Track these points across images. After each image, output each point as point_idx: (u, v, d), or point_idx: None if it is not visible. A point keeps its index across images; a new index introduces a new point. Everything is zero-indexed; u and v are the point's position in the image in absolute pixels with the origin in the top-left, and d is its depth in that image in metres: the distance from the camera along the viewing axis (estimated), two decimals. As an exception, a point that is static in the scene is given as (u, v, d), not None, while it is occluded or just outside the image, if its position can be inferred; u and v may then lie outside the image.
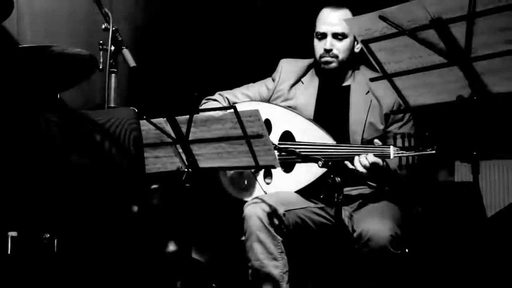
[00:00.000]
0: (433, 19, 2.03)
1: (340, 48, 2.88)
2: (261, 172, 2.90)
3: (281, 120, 2.89)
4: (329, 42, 2.87)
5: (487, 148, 3.20)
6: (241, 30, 3.85)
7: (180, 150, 2.56)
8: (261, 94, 3.05)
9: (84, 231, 2.36)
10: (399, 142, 2.61)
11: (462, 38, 2.03)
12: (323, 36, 2.90)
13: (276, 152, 2.50)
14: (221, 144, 2.49)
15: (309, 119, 2.88)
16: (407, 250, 2.69)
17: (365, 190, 2.88)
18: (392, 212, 2.72)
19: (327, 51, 2.88)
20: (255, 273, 2.67)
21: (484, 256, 2.63)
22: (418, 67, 2.18)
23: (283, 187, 2.84)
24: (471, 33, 2.01)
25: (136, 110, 2.43)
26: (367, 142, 2.80)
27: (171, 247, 3.17)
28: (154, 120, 2.53)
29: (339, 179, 2.36)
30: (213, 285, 3.09)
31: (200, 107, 3.04)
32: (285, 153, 2.74)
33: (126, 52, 2.47)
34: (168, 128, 2.50)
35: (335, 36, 2.87)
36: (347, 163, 2.71)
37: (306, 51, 3.01)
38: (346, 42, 2.88)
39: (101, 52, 2.51)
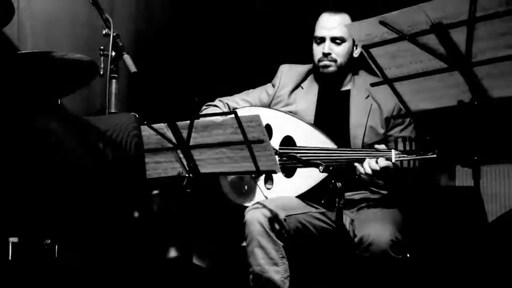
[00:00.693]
0: (434, 24, 2.03)
1: (338, 52, 2.89)
2: (262, 177, 2.90)
3: (282, 125, 2.90)
4: (327, 46, 2.88)
5: (488, 153, 3.20)
6: (242, 36, 3.86)
7: (181, 156, 2.56)
8: (261, 100, 3.06)
9: (85, 237, 2.36)
10: (400, 146, 2.62)
11: (463, 43, 2.04)
12: (321, 40, 2.90)
13: (276, 157, 2.50)
14: (222, 149, 2.50)
15: (310, 124, 2.88)
16: (408, 255, 2.69)
17: (366, 195, 2.88)
18: (393, 217, 2.72)
19: (326, 55, 2.89)
20: (256, 278, 2.67)
21: (485, 261, 2.63)
22: (419, 72, 2.18)
23: (284, 192, 2.84)
24: (472, 38, 2.01)
25: (137, 116, 2.43)
26: (367, 146, 2.81)
27: (172, 252, 3.17)
28: (155, 126, 2.53)
29: (340, 184, 2.36)
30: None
31: (200, 113, 3.04)
32: (285, 158, 2.75)
33: (127, 57, 2.47)
34: (169, 133, 2.50)
35: (334, 40, 2.88)
36: (357, 165, 2.69)
37: (306, 57, 3.01)
38: (344, 47, 2.89)
39: (102, 57, 2.51)
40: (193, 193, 2.54)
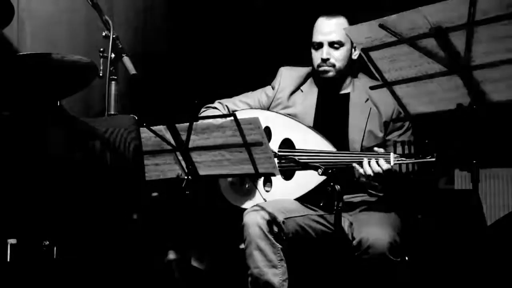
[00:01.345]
0: (433, 27, 2.03)
1: (337, 57, 2.89)
2: (261, 180, 2.90)
3: (281, 128, 2.89)
4: (325, 51, 2.88)
5: (486, 157, 3.21)
6: (241, 38, 3.86)
7: (180, 158, 2.56)
8: (260, 102, 3.06)
9: (84, 239, 2.36)
10: (399, 149, 2.62)
11: (462, 47, 2.04)
12: (319, 45, 2.90)
13: (276, 160, 2.50)
14: (221, 151, 2.49)
15: (309, 127, 2.88)
16: (406, 258, 2.69)
17: (365, 197, 2.88)
18: (392, 220, 2.72)
19: (324, 61, 2.88)
20: (255, 281, 2.66)
21: (483, 264, 2.63)
22: (418, 76, 2.18)
23: (282, 194, 2.84)
24: (471, 41, 2.01)
25: (136, 118, 2.44)
26: (366, 150, 2.81)
27: (171, 255, 3.16)
28: (154, 128, 2.52)
29: (338, 187, 2.35)
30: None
31: (200, 115, 3.04)
32: (284, 161, 2.74)
33: (126, 59, 2.47)
34: (168, 135, 2.50)
35: (332, 45, 2.88)
36: (356, 166, 2.68)
37: (305, 59, 3.01)
38: (343, 50, 2.89)
39: (101, 59, 2.51)
40: (192, 195, 2.54)
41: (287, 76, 3.05)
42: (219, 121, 2.45)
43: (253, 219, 2.66)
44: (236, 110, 2.98)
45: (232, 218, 2.86)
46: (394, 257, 2.55)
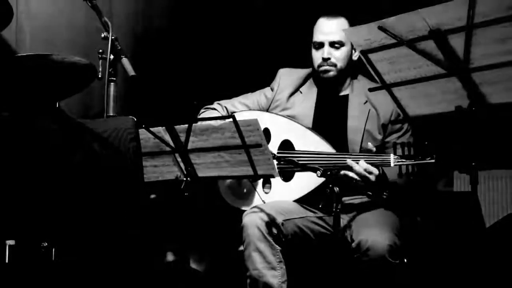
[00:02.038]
0: (432, 30, 2.03)
1: (338, 56, 2.89)
2: (260, 181, 2.89)
3: (280, 129, 2.89)
4: (326, 51, 2.88)
5: (485, 159, 3.20)
6: (240, 39, 3.86)
7: (179, 159, 2.56)
8: (259, 103, 3.06)
9: (82, 240, 2.35)
10: (399, 151, 2.62)
11: (461, 49, 2.04)
12: (320, 45, 2.91)
13: (275, 161, 2.50)
14: (220, 153, 2.49)
15: (309, 128, 2.88)
16: (405, 260, 2.68)
17: (364, 199, 2.87)
18: (391, 222, 2.72)
19: (325, 60, 2.89)
20: (253, 282, 2.66)
21: (482, 266, 2.63)
22: (417, 78, 2.18)
23: (282, 196, 2.84)
24: (470, 44, 2.01)
25: (135, 119, 2.43)
26: (365, 151, 2.80)
27: (169, 256, 3.16)
28: (153, 129, 2.52)
29: (337, 188, 2.35)
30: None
31: (199, 117, 3.04)
32: (284, 162, 2.74)
33: (125, 61, 2.47)
34: (167, 137, 2.50)
35: (332, 44, 2.89)
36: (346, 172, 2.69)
37: (306, 60, 3.01)
38: (343, 50, 2.90)
39: (100, 60, 2.51)
40: (191, 197, 2.54)
41: (286, 77, 3.05)
42: (218, 122, 2.45)
43: (252, 221, 2.66)
44: (235, 112, 2.98)
45: (231, 220, 2.86)
46: (393, 259, 2.54)
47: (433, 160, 2.56)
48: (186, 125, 2.46)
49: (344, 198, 2.80)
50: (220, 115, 2.99)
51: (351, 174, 2.66)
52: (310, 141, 2.83)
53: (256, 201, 2.85)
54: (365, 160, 2.65)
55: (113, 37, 2.50)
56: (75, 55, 2.39)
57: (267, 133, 2.89)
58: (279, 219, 2.67)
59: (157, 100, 3.33)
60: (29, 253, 2.30)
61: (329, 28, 2.90)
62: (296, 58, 3.16)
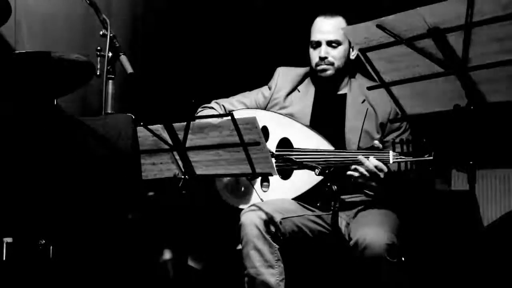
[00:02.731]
0: (431, 28, 2.03)
1: (335, 55, 2.89)
2: (258, 180, 2.89)
3: (279, 127, 2.89)
4: (323, 50, 2.89)
5: (483, 158, 3.21)
6: (239, 38, 3.86)
7: (177, 157, 2.56)
8: (257, 102, 3.06)
9: (80, 238, 2.35)
10: (398, 148, 2.62)
11: (459, 48, 2.04)
12: (317, 44, 2.91)
13: (273, 160, 2.50)
14: (218, 151, 2.49)
15: (307, 126, 2.88)
16: (403, 259, 2.69)
17: (362, 198, 2.88)
18: (389, 221, 2.72)
19: (322, 59, 2.89)
20: (251, 281, 2.66)
21: (480, 265, 2.63)
22: (415, 76, 2.18)
23: (280, 194, 2.84)
24: (468, 43, 2.01)
25: (133, 117, 2.43)
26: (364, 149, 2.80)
27: (167, 254, 3.16)
28: (151, 127, 2.52)
29: (335, 187, 2.36)
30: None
31: (197, 115, 3.04)
32: (282, 161, 2.74)
33: (123, 58, 2.46)
34: (165, 134, 2.50)
35: (330, 43, 2.89)
36: (355, 167, 2.69)
37: (303, 59, 3.01)
38: (341, 49, 2.90)
39: (99, 58, 2.50)
40: (189, 194, 2.54)
41: (284, 76, 3.05)
42: (217, 120, 2.45)
43: (250, 219, 2.66)
44: (233, 110, 2.98)
45: (229, 218, 2.86)
46: (391, 257, 2.54)
47: (431, 157, 2.57)
48: (185, 123, 2.46)
49: (342, 197, 2.81)
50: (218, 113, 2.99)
51: (361, 169, 2.66)
52: (308, 139, 2.83)
53: (254, 199, 2.85)
54: (364, 156, 2.66)
55: (111, 35, 2.49)
56: (74, 52, 2.38)
57: (265, 131, 2.89)
58: (277, 218, 2.67)
59: (155, 98, 3.32)
60: (26, 251, 2.30)
61: (326, 27, 2.90)
62: (294, 57, 3.16)
